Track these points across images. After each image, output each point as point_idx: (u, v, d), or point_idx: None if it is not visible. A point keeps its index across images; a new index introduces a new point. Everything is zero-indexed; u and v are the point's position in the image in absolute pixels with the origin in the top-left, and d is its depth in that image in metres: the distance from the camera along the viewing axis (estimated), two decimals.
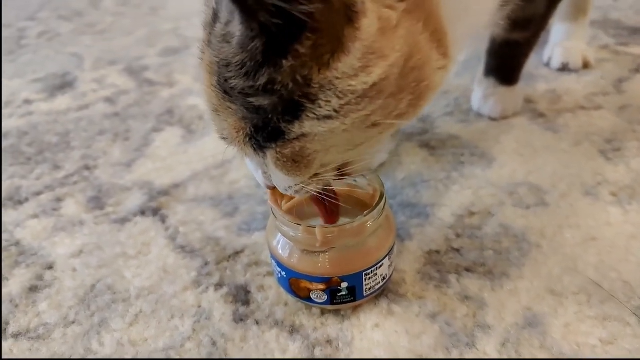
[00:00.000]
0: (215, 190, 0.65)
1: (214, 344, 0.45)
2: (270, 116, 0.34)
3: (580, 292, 0.47)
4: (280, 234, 0.45)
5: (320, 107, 0.33)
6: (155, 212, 0.62)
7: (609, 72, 0.86)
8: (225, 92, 0.34)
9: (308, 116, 0.33)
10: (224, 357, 0.44)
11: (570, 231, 0.54)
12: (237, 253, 0.55)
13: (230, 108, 0.35)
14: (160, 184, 0.68)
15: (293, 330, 0.46)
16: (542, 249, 0.52)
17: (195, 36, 1.20)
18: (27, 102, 0.95)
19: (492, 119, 0.75)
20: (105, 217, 0.62)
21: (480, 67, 0.75)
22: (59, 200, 0.66)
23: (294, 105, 0.33)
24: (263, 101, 0.33)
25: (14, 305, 0.51)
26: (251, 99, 0.33)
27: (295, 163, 0.36)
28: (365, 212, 0.43)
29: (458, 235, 0.54)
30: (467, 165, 0.65)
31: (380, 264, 0.45)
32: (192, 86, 0.96)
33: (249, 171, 0.45)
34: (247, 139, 0.36)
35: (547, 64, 0.90)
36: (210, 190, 0.66)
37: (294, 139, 0.35)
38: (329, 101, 0.33)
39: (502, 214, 0.57)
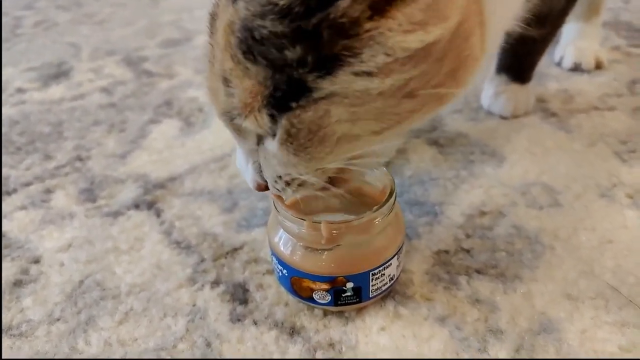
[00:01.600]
0: (213, 184, 0.63)
1: (208, 344, 0.42)
2: (299, 71, 0.30)
3: (597, 297, 0.44)
4: (282, 230, 0.43)
5: (362, 62, 0.29)
6: (150, 205, 0.59)
7: (622, 73, 0.84)
8: (248, 50, 0.30)
9: (344, 70, 0.29)
10: (218, 358, 0.41)
11: (585, 233, 0.51)
12: (235, 250, 0.52)
13: (248, 69, 0.31)
14: (156, 177, 0.65)
15: (293, 332, 0.43)
16: (556, 251, 0.49)
17: (196, 29, 1.19)
18: (20, 90, 0.92)
19: (503, 118, 0.72)
20: (97, 210, 0.59)
21: (492, 65, 0.73)
22: (48, 191, 0.63)
23: (332, 59, 0.29)
24: (296, 53, 0.29)
25: (1, 305, 0.48)
26: (286, 51, 0.29)
27: (309, 134, 0.32)
28: (374, 208, 0.40)
29: (468, 236, 0.52)
30: (477, 164, 0.63)
31: (388, 263, 0.42)
32: (192, 78, 0.94)
33: (238, 165, 0.42)
34: (265, 103, 0.31)
35: (559, 64, 0.88)
36: (208, 184, 0.63)
37: (321, 98, 0.31)
38: (374, 56, 0.29)
39: (514, 214, 0.54)
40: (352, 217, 0.40)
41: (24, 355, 0.42)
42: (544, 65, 0.84)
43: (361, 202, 0.46)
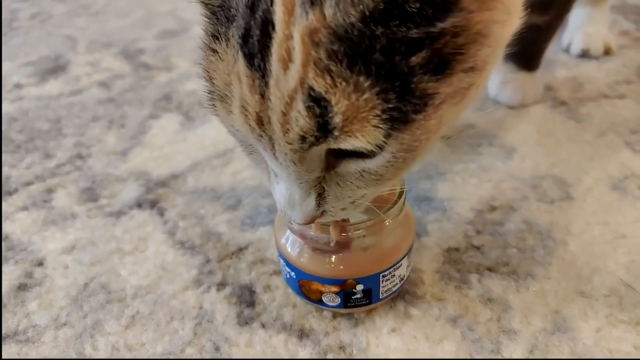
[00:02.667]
0: (216, 181, 0.62)
1: (217, 349, 0.41)
2: (418, 74, 0.27)
3: (611, 294, 0.44)
4: (289, 231, 0.42)
5: (470, 57, 0.28)
6: (153, 204, 0.58)
7: (631, 59, 0.82)
8: (355, 60, 0.27)
9: (455, 69, 0.28)
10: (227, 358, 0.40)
11: (598, 228, 0.50)
12: (240, 250, 0.51)
13: (359, 83, 0.27)
14: (158, 175, 0.64)
15: (302, 334, 0.42)
16: (569, 246, 0.48)
17: (192, 19, 1.17)
18: (18, 86, 0.91)
19: (511, 107, 0.71)
20: (99, 210, 0.58)
21: None
22: (50, 191, 0.62)
23: (444, 58, 0.28)
24: (420, 58, 0.27)
25: (2, 305, 0.47)
26: (412, 57, 0.27)
27: (424, 142, 0.31)
28: (383, 210, 0.39)
29: (478, 232, 0.51)
30: (486, 157, 0.61)
31: (399, 264, 0.41)
32: (190, 70, 0.92)
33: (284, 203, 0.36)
34: (384, 116, 0.28)
35: (567, 50, 0.86)
36: (211, 181, 0.62)
37: (440, 102, 0.29)
38: (480, 50, 0.28)
39: (525, 208, 0.53)
40: (361, 217, 0.39)
41: None
42: (551, 51, 0.82)
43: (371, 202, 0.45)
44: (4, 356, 0.42)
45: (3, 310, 0.46)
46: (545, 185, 0.56)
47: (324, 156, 0.31)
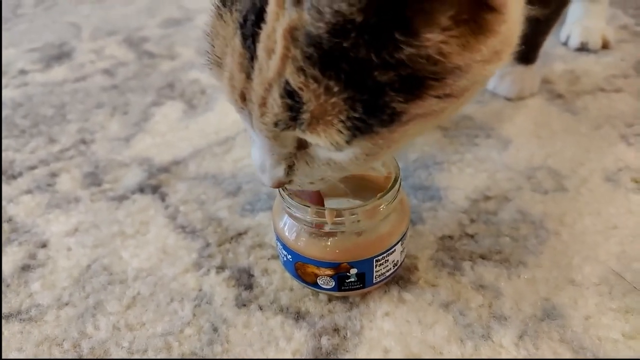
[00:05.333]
0: (217, 168, 0.63)
1: (215, 329, 0.43)
2: (388, 93, 0.28)
3: (601, 283, 0.44)
4: (287, 216, 0.43)
5: (446, 85, 0.29)
6: (155, 189, 0.59)
7: (629, 53, 0.82)
8: (327, 66, 0.27)
9: (430, 94, 0.29)
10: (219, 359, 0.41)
11: (590, 218, 0.51)
12: (239, 234, 0.52)
13: (329, 87, 0.28)
14: (160, 161, 0.65)
15: (299, 317, 0.43)
16: (561, 236, 0.49)
17: (197, 8, 1.17)
18: (23, 72, 0.92)
19: (508, 99, 0.72)
20: (102, 194, 0.59)
21: None
22: (53, 175, 0.63)
23: (417, 81, 0.28)
24: (386, 76, 0.27)
25: (5, 285, 0.48)
26: (376, 73, 0.27)
27: (386, 149, 0.32)
28: (378, 195, 0.40)
29: (472, 221, 0.52)
30: (482, 147, 0.62)
31: (392, 249, 0.42)
32: (194, 59, 0.93)
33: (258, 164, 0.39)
34: (348, 124, 0.29)
35: (565, 43, 0.86)
36: (212, 167, 0.63)
37: (408, 120, 0.30)
38: (456, 81, 0.28)
39: (519, 198, 0.54)
40: (356, 202, 0.40)
41: (33, 339, 0.43)
42: (550, 44, 0.83)
43: (366, 188, 0.46)
44: (7, 334, 0.44)
45: (7, 290, 0.48)
46: (540, 176, 0.57)
47: (296, 138, 0.33)
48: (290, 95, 0.29)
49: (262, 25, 0.29)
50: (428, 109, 0.29)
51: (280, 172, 0.36)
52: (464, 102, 0.32)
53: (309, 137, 0.31)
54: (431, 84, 0.28)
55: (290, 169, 0.36)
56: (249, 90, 0.31)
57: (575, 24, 0.86)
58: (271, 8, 0.28)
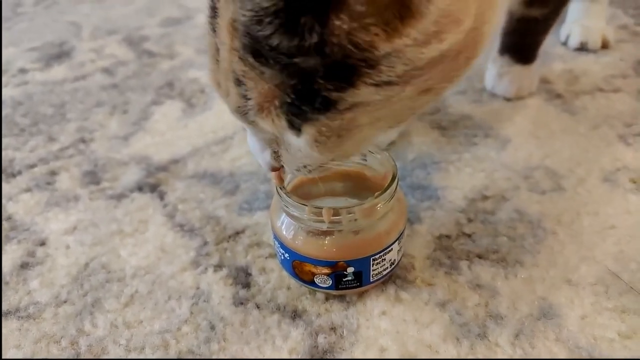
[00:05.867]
0: (215, 166, 0.63)
1: (212, 327, 0.43)
2: (317, 80, 0.28)
3: (597, 283, 0.44)
4: (284, 214, 0.43)
5: (381, 72, 0.28)
6: (153, 188, 0.60)
7: (629, 53, 0.82)
8: (258, 53, 0.28)
9: (365, 82, 0.28)
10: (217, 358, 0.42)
11: (587, 218, 0.51)
12: (237, 233, 0.52)
13: (263, 73, 0.29)
14: (159, 159, 0.65)
15: (295, 315, 0.43)
16: (558, 236, 0.49)
17: (196, 7, 1.17)
18: (22, 71, 0.92)
19: (507, 99, 0.72)
20: (101, 193, 0.60)
21: (495, 45, 0.72)
22: (53, 173, 0.64)
23: (347, 69, 0.28)
24: (308, 63, 0.28)
25: (4, 283, 0.48)
26: (296, 59, 0.27)
27: (339, 138, 0.32)
28: (376, 194, 0.40)
29: (470, 220, 0.52)
30: (480, 147, 0.62)
31: (389, 248, 0.42)
32: (193, 58, 0.93)
33: (251, 148, 0.40)
34: (284, 109, 0.30)
35: (565, 43, 0.86)
36: (210, 166, 0.63)
37: (346, 109, 0.30)
38: (393, 67, 0.28)
39: (516, 198, 0.54)
40: (354, 201, 0.41)
41: (31, 337, 0.43)
42: (549, 44, 0.83)
43: (364, 187, 0.46)
44: (5, 331, 0.44)
45: (5, 288, 0.48)
46: (537, 176, 0.57)
47: None
48: (239, 83, 0.31)
49: (217, 19, 0.31)
50: (368, 97, 0.29)
51: (267, 156, 0.38)
52: (429, 89, 0.31)
53: (261, 123, 0.32)
54: (364, 71, 0.28)
55: (275, 154, 0.38)
56: (218, 77, 0.34)
57: (575, 24, 0.86)
58: (221, 3, 0.30)
